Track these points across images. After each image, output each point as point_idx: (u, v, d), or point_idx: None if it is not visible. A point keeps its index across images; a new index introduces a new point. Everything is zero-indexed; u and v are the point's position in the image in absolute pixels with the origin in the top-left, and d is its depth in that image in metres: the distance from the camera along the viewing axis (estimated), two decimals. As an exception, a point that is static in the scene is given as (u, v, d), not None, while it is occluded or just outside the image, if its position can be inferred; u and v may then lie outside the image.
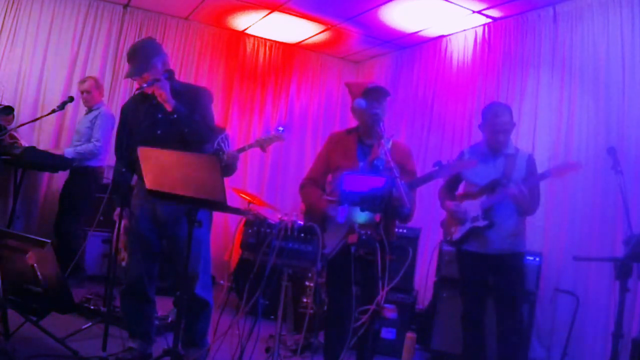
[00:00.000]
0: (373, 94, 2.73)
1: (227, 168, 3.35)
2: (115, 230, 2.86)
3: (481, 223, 3.06)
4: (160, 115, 2.79)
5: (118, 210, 2.87)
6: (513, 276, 3.08)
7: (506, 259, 3.06)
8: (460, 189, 3.36)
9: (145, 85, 2.70)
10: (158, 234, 2.86)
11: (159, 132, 2.79)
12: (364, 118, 2.75)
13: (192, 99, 2.85)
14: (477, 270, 3.14)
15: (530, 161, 3.14)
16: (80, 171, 4.62)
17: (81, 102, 4.96)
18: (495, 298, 3.13)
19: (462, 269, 3.28)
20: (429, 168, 2.64)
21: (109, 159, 4.76)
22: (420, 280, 4.78)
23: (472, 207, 3.12)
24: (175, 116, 2.70)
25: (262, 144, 3.27)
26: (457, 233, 3.17)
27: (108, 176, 4.68)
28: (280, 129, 3.25)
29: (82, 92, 4.75)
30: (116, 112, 5.01)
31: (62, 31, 5.39)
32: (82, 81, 4.80)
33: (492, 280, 3.13)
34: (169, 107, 2.69)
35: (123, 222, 2.85)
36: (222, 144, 3.11)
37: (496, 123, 3.10)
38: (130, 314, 2.91)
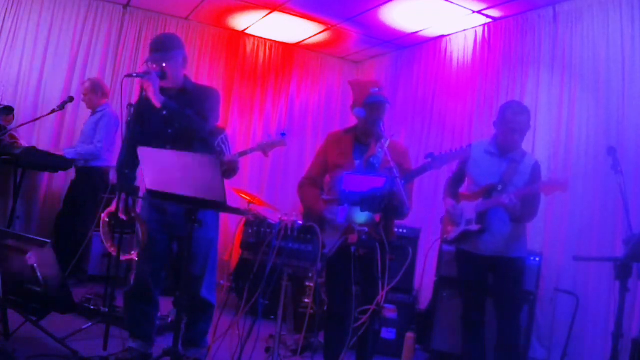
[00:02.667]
0: (374, 107, 2.73)
1: (228, 172, 3.35)
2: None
3: (474, 227, 3.05)
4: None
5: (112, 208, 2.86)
6: (510, 279, 3.06)
7: (503, 261, 3.04)
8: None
9: (134, 74, 2.73)
10: (168, 235, 2.85)
11: (169, 131, 2.77)
12: (363, 123, 2.78)
13: (199, 98, 2.85)
14: (475, 271, 3.13)
15: (535, 168, 3.09)
16: (86, 172, 4.63)
17: (83, 103, 4.97)
18: (493, 299, 3.13)
19: (460, 268, 3.27)
20: (424, 161, 2.64)
21: (114, 160, 4.76)
22: (420, 280, 4.78)
23: (469, 209, 3.11)
24: (164, 112, 2.69)
25: (264, 149, 3.26)
26: (452, 233, 3.17)
27: (112, 177, 4.69)
28: (283, 133, 3.25)
29: (82, 94, 4.78)
30: (118, 112, 5.02)
31: (62, 31, 5.39)
32: (83, 84, 4.82)
33: (491, 280, 3.13)
34: (157, 104, 2.67)
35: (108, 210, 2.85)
36: (222, 145, 3.11)
37: (515, 121, 3.03)
38: (133, 315, 2.89)
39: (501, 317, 3.05)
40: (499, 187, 3.02)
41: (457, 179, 3.32)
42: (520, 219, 3.04)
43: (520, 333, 3.12)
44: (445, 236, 3.25)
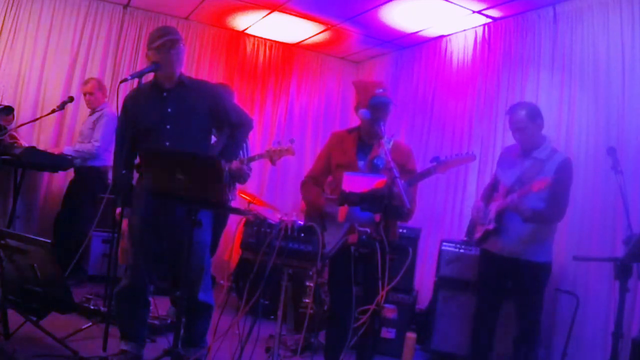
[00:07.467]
0: (378, 109, 2.73)
1: (236, 178, 3.35)
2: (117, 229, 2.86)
3: (490, 226, 3.10)
4: (169, 110, 2.77)
5: (119, 209, 2.87)
6: (525, 284, 3.07)
7: (521, 265, 3.03)
8: None
9: (129, 77, 2.72)
10: (160, 237, 2.83)
11: (168, 127, 2.75)
12: (367, 124, 2.78)
13: (208, 98, 2.85)
14: (493, 271, 3.17)
15: (561, 166, 3.02)
16: (84, 171, 4.63)
17: (82, 103, 4.97)
18: (513, 303, 3.17)
19: (480, 267, 3.33)
20: (429, 165, 2.64)
21: (112, 159, 4.75)
22: (420, 280, 4.78)
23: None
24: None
25: (272, 156, 3.25)
26: (478, 233, 3.25)
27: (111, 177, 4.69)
28: (292, 140, 3.24)
29: (84, 94, 4.76)
30: (118, 112, 5.02)
31: (62, 31, 5.39)
32: (85, 82, 4.80)
33: (510, 284, 3.16)
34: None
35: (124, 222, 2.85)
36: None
37: (512, 122, 3.13)
38: (125, 317, 2.86)
39: (517, 319, 3.09)
40: (515, 187, 3.03)
41: (493, 185, 3.34)
42: (531, 220, 3.01)
43: (535, 340, 3.08)
44: (472, 237, 3.33)
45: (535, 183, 2.85)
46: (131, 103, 2.84)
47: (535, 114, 3.11)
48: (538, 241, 3.05)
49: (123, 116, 2.84)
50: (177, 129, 2.75)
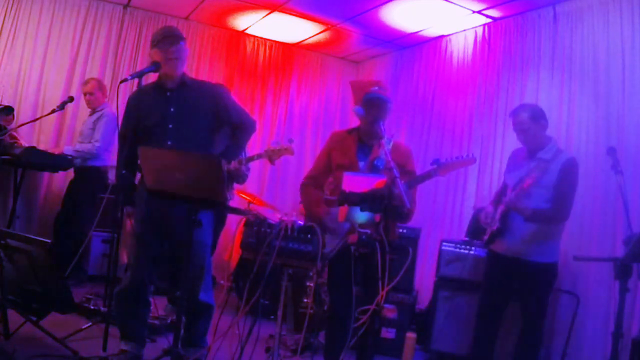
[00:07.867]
0: (372, 104, 2.74)
1: (234, 178, 3.35)
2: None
3: (494, 226, 3.13)
4: (172, 109, 2.77)
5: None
6: (530, 285, 3.07)
7: (524, 265, 3.03)
8: None
9: (129, 77, 2.72)
10: (161, 237, 2.83)
11: (170, 126, 2.77)
12: (364, 122, 2.79)
13: (209, 98, 2.86)
14: (497, 271, 3.19)
15: (565, 166, 3.02)
16: (84, 171, 4.63)
17: (82, 103, 4.97)
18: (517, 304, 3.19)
19: (486, 268, 3.35)
20: (429, 168, 2.64)
21: (112, 159, 4.76)
22: (420, 280, 4.78)
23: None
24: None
25: (271, 156, 3.25)
26: (486, 235, 3.27)
27: (111, 177, 4.69)
28: (291, 139, 3.25)
29: (85, 94, 4.75)
30: (118, 112, 5.01)
31: (62, 31, 5.39)
32: (85, 83, 4.79)
33: (516, 285, 3.16)
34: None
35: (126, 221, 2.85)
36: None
37: (514, 124, 3.16)
38: (125, 317, 2.87)
39: (522, 319, 3.09)
40: (517, 188, 3.03)
41: (502, 189, 3.36)
42: (533, 219, 3.01)
43: (536, 342, 3.08)
44: (483, 238, 3.37)
45: (526, 180, 2.89)
46: (134, 103, 2.86)
47: (538, 115, 3.12)
48: (541, 241, 3.05)
49: (126, 116, 2.86)
50: (179, 128, 2.76)
